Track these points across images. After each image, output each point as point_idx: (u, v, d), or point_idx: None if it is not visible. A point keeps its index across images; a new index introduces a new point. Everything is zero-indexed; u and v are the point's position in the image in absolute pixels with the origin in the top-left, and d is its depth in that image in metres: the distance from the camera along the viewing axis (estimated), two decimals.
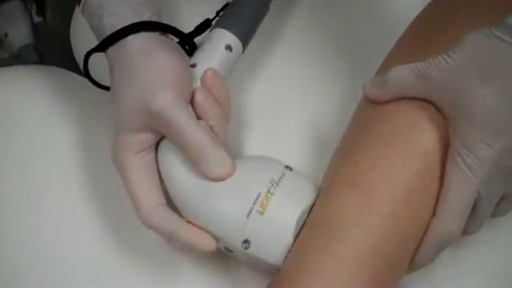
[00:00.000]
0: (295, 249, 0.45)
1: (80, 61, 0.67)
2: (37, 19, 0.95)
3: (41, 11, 0.95)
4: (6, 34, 0.92)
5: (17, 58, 0.91)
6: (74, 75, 0.66)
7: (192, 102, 0.48)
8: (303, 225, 0.45)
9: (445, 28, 0.48)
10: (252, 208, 0.45)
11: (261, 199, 0.45)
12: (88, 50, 0.51)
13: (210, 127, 0.48)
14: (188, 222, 0.46)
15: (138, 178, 0.47)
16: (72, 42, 0.68)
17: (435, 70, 0.43)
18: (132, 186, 0.47)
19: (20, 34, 0.93)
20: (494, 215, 0.47)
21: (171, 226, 0.46)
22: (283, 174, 0.47)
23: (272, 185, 0.46)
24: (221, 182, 0.46)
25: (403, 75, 0.45)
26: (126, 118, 0.47)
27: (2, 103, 0.62)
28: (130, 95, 0.47)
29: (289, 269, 0.44)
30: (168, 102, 0.45)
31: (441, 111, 0.45)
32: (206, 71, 0.49)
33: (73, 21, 0.68)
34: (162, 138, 0.48)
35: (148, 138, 0.47)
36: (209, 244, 0.46)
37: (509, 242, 0.53)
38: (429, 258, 0.46)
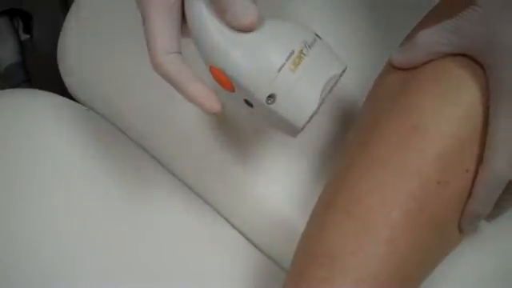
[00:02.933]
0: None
1: (68, 80, 0.66)
2: (24, 37, 0.94)
3: (27, 29, 0.94)
4: None
5: (4, 77, 0.90)
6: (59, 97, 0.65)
7: None
8: (327, 93, 0.46)
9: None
10: (284, 64, 0.44)
11: (293, 57, 0.44)
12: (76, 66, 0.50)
13: None
14: (212, 69, 0.44)
15: (159, 18, 0.44)
16: (59, 62, 0.67)
17: (466, 22, 0.44)
18: (151, 25, 0.44)
19: (7, 52, 0.91)
20: None
21: (182, 77, 0.44)
22: (315, 40, 0.46)
23: (305, 46, 0.45)
24: (254, 33, 0.44)
25: (434, 33, 0.45)
26: None
27: None
28: None
29: None
30: None
31: (478, 63, 0.44)
32: None
33: (60, 41, 0.67)
34: None
35: None
36: (214, 106, 0.44)
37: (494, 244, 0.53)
38: (483, 208, 0.45)
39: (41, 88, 0.68)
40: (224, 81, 0.44)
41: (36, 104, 0.62)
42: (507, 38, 0.41)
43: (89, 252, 0.54)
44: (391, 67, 0.49)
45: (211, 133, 0.58)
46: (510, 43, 0.41)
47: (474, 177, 0.44)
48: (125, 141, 0.61)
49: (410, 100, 0.46)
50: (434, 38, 0.45)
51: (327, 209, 0.46)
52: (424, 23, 0.50)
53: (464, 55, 0.45)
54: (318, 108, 0.45)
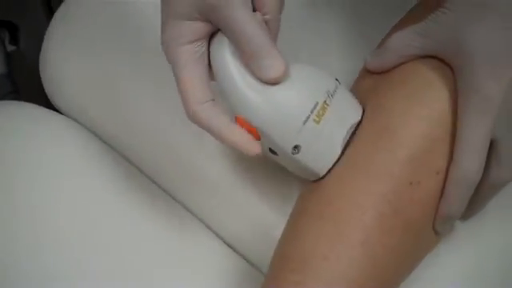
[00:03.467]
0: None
1: (50, 90, 0.66)
2: (10, 48, 0.93)
3: (14, 40, 0.93)
4: None
5: None
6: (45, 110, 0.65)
7: None
8: (347, 139, 0.46)
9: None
10: (309, 116, 0.45)
11: (318, 108, 0.45)
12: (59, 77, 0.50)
13: (266, 22, 0.45)
14: (237, 118, 0.44)
15: (188, 72, 0.45)
16: (41, 71, 0.67)
17: (435, 24, 0.44)
18: (182, 80, 0.45)
19: None
20: None
21: (219, 124, 0.44)
22: (336, 87, 0.47)
23: (328, 96, 0.46)
24: (280, 85, 0.44)
25: (405, 36, 0.46)
26: (178, 2, 0.44)
27: None
28: None
29: None
30: None
31: (447, 64, 0.45)
32: None
33: (42, 50, 0.67)
34: (216, 31, 0.45)
35: (201, 27, 0.44)
36: (254, 149, 0.45)
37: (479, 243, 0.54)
38: (455, 208, 0.45)
39: (28, 98, 0.69)
40: (249, 130, 0.44)
41: (19, 116, 0.62)
42: (474, 40, 0.42)
43: (83, 253, 0.55)
44: (366, 71, 0.50)
45: (197, 142, 0.58)
46: (477, 45, 0.42)
47: (446, 177, 0.44)
48: (107, 151, 0.62)
49: (380, 102, 0.47)
50: (405, 42, 0.46)
51: (301, 213, 0.46)
52: (398, 27, 0.50)
53: (434, 57, 0.45)
54: (343, 152, 0.46)
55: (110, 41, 0.62)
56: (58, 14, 0.66)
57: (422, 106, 0.45)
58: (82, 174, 0.58)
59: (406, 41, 0.46)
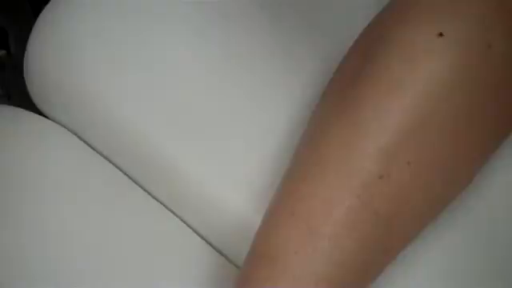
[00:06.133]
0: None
1: (33, 90, 0.66)
2: (0, 52, 0.95)
3: (4, 44, 0.95)
4: None
5: None
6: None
7: None
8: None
9: None
10: None
11: None
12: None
13: None
14: None
15: None
16: (26, 77, 0.68)
17: None
18: None
19: None
20: None
21: None
22: None
23: None
24: None
25: None
26: None
27: None
28: None
29: None
30: None
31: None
32: None
33: (25, 56, 0.67)
34: None
35: None
36: None
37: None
38: None
39: (19, 101, 0.69)
40: None
41: (6, 120, 0.64)
42: None
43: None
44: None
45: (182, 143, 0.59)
46: None
47: (416, 168, 0.46)
48: (91, 155, 0.63)
49: (354, 96, 0.48)
50: None
51: (274, 210, 0.48)
52: None
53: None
54: None
55: (95, 39, 0.63)
56: (41, 17, 0.66)
57: (396, 98, 0.46)
58: (66, 180, 0.59)
59: None
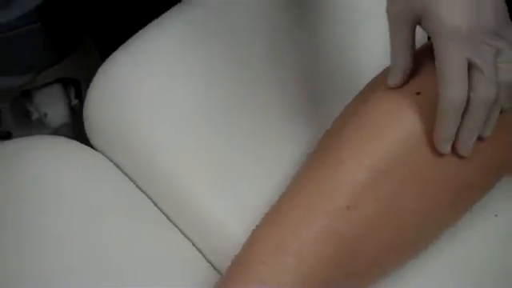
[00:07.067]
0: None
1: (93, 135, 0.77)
2: (74, 102, 1.05)
3: (78, 94, 1.05)
4: (45, 115, 1.02)
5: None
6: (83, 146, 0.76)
7: None
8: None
9: None
10: None
11: None
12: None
13: None
14: None
15: None
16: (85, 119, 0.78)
17: None
18: None
19: (58, 114, 1.03)
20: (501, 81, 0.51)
21: None
22: None
23: None
24: None
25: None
26: None
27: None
28: None
29: None
30: None
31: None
32: None
33: (86, 99, 0.77)
34: None
35: None
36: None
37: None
38: (446, 129, 0.51)
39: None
40: None
41: (57, 150, 0.74)
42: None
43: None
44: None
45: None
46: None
47: (385, 204, 0.51)
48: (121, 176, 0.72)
49: (339, 136, 0.55)
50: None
51: (256, 227, 0.54)
52: None
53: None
54: None
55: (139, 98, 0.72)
56: (100, 71, 0.77)
57: (371, 141, 0.53)
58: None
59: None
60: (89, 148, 0.75)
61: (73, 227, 0.65)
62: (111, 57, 0.76)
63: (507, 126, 0.56)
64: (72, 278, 0.61)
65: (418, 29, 0.53)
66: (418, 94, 0.54)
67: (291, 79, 0.73)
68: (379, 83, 0.57)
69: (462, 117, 0.51)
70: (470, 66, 0.49)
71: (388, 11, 0.52)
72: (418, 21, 0.51)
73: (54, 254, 0.62)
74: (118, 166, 0.73)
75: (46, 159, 0.72)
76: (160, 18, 0.77)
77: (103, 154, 0.75)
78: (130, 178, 0.72)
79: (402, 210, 0.54)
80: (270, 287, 0.50)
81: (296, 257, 0.51)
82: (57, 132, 1.02)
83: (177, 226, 0.69)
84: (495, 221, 0.64)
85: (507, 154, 0.58)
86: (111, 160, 0.74)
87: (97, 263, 0.63)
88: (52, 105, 1.04)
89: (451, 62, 0.49)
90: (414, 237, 0.56)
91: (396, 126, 0.53)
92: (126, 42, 0.75)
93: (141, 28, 0.77)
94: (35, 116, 1.04)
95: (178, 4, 0.80)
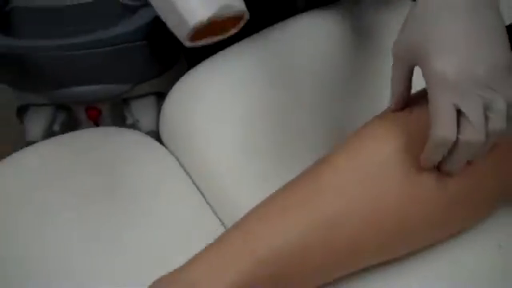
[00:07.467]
0: None
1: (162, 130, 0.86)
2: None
3: None
4: (138, 121, 1.13)
5: None
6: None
7: None
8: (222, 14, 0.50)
9: None
10: None
11: None
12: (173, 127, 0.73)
13: None
14: None
15: None
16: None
17: (409, 18, 0.55)
18: None
19: (148, 122, 1.13)
20: (490, 130, 0.53)
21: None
22: None
23: None
24: None
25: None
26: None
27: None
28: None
29: None
30: None
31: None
32: None
33: (163, 108, 0.86)
34: None
35: None
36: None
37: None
38: (432, 160, 0.54)
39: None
40: None
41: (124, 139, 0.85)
42: (439, 32, 0.52)
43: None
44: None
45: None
46: (441, 37, 0.52)
47: (357, 234, 0.56)
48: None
49: (328, 163, 0.60)
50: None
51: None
52: None
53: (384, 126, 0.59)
54: (209, 20, 0.48)
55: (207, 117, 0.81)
56: (175, 87, 0.84)
57: (349, 172, 0.58)
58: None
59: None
60: (164, 148, 0.85)
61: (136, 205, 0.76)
62: (186, 74, 0.84)
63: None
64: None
65: None
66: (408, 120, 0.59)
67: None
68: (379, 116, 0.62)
69: (450, 151, 0.54)
70: (459, 112, 0.52)
71: (392, 50, 0.57)
72: (415, 62, 0.55)
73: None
74: (182, 166, 0.83)
75: (130, 149, 0.83)
76: (239, 44, 0.83)
77: (172, 154, 0.84)
78: (189, 177, 0.82)
79: (366, 244, 0.58)
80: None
81: (252, 257, 0.56)
82: None
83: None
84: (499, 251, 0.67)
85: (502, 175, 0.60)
86: (177, 159, 0.83)
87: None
88: (144, 113, 1.13)
89: (439, 106, 0.52)
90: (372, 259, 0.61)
91: (377, 146, 0.57)
92: (202, 63, 0.84)
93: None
94: (129, 121, 1.14)
95: (259, 33, 0.85)
